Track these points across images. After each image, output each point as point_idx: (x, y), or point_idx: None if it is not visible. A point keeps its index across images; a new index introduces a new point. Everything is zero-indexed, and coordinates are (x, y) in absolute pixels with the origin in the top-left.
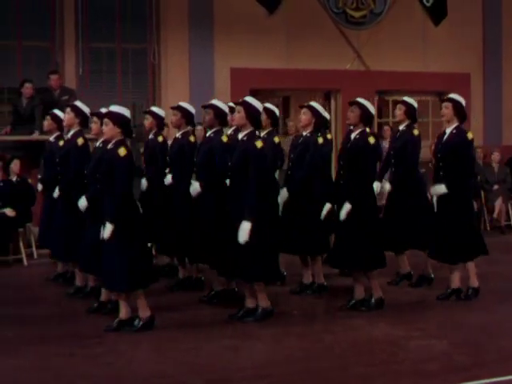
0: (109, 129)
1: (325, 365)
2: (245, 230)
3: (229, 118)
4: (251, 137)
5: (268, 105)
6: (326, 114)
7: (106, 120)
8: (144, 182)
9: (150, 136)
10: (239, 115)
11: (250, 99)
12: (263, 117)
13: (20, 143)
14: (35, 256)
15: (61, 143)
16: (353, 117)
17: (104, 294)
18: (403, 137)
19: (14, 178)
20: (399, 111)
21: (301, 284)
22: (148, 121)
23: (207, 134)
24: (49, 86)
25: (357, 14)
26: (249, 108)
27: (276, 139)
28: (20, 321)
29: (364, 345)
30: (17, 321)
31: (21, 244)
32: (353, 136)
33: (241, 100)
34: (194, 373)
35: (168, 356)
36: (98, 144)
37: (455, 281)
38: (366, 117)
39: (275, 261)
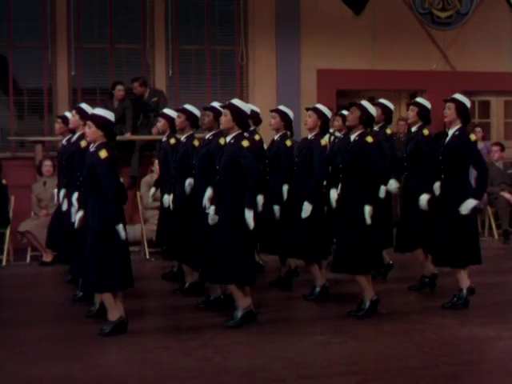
0: (92, 131)
1: (415, 363)
2: (250, 217)
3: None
4: (239, 139)
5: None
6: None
7: (89, 123)
8: (167, 199)
9: (164, 138)
10: (226, 118)
11: (236, 102)
12: (277, 119)
13: None
14: None
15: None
16: (352, 118)
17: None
18: (415, 138)
19: None
20: (412, 112)
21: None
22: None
23: (206, 137)
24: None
25: (443, 15)
26: (235, 111)
27: (288, 142)
28: None
29: (453, 344)
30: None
31: None
32: (352, 137)
33: (227, 103)
34: (288, 368)
35: (263, 351)
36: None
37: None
38: (365, 118)
39: (252, 263)
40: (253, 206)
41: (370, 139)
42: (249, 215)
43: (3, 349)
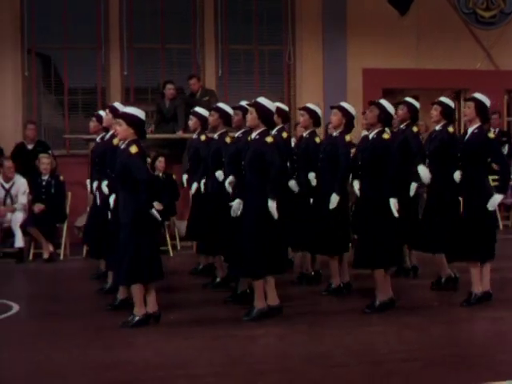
0: (123, 129)
1: (471, 351)
2: (273, 207)
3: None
4: (263, 135)
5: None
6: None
7: (119, 120)
8: (194, 187)
9: (194, 136)
10: (251, 116)
11: (262, 100)
12: (306, 117)
13: (164, 141)
14: (178, 248)
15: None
16: (370, 117)
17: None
18: (439, 137)
19: (160, 174)
20: (435, 111)
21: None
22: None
23: (235, 135)
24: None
25: (487, 14)
26: (261, 109)
27: (317, 140)
28: (176, 305)
29: (508, 334)
30: (174, 305)
31: (167, 236)
32: (371, 136)
33: (253, 101)
34: (350, 355)
35: (323, 340)
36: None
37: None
38: (384, 117)
39: (278, 256)
40: (275, 196)
41: (386, 136)
42: (272, 205)
43: (72, 337)
